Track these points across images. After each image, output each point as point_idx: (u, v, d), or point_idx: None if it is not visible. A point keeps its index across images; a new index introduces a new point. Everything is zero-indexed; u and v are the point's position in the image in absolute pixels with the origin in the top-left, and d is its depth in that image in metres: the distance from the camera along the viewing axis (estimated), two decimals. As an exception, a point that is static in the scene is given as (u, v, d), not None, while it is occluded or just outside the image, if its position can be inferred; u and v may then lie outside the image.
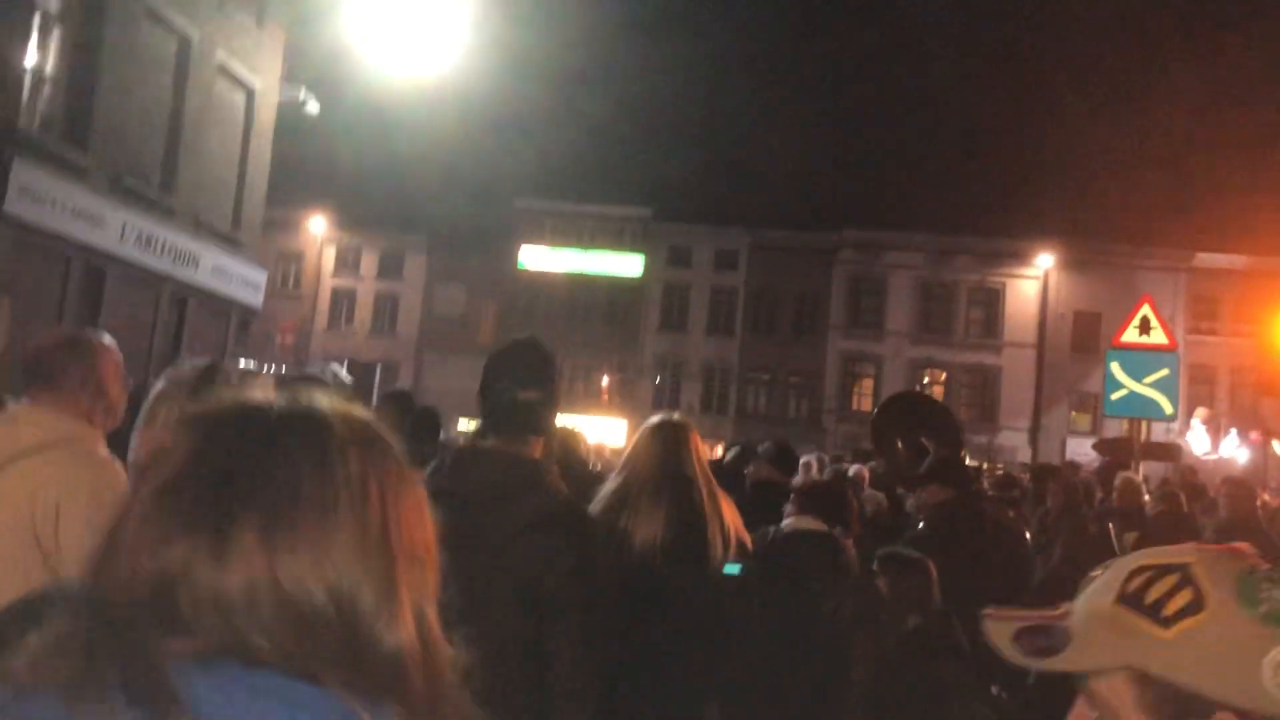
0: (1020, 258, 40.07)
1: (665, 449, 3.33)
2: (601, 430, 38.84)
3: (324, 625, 0.84)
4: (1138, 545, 7.43)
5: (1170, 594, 0.99)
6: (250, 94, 17.73)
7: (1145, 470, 13.18)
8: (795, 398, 42.06)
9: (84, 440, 2.93)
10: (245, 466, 0.87)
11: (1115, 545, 7.60)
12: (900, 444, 7.75)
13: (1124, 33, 71.34)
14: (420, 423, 6.94)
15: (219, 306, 17.21)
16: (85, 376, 3.05)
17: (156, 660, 0.78)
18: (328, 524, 0.86)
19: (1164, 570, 1.03)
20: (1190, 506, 7.98)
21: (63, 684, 0.76)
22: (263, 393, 0.95)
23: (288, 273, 44.90)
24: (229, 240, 17.41)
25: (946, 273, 41.13)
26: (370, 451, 0.93)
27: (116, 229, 14.30)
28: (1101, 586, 1.06)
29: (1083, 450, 37.26)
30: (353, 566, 0.86)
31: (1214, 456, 31.01)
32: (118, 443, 2.94)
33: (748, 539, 3.30)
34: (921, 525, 5.60)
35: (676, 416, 3.53)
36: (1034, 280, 40.41)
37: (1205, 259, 38.91)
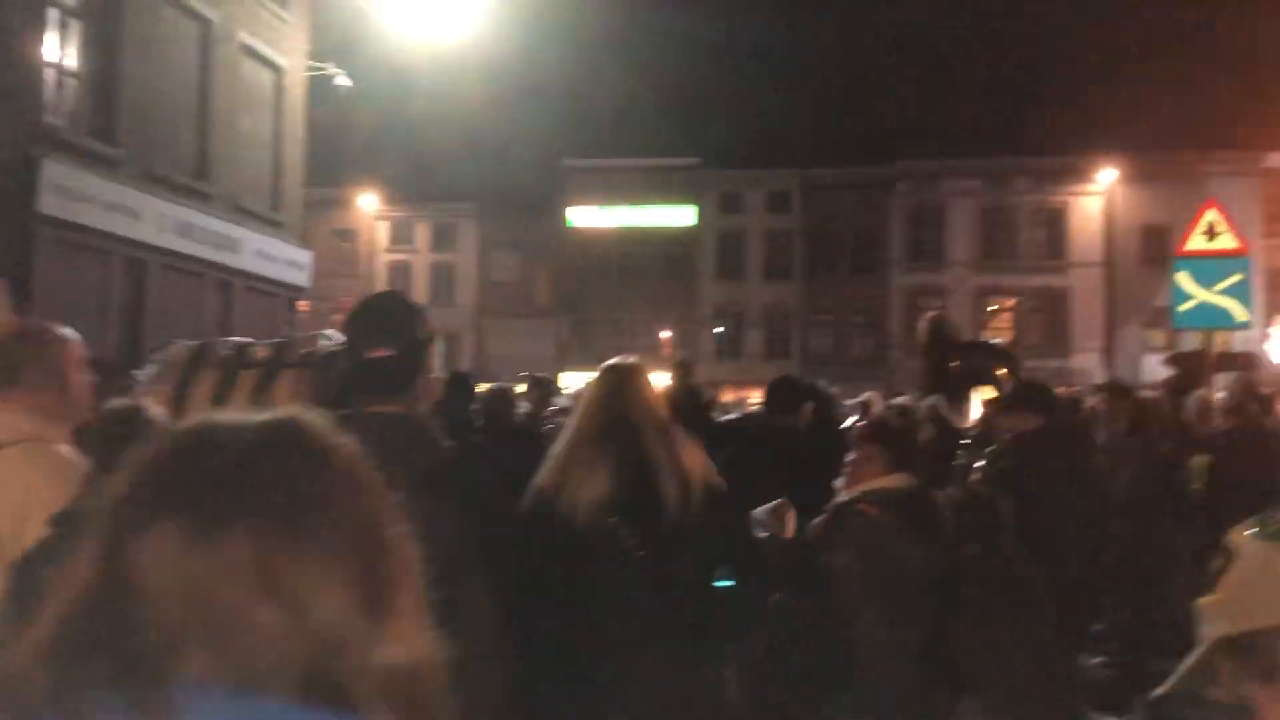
0: (1081, 174, 38.72)
1: (607, 395, 3.06)
2: (665, 385, 38.73)
3: (323, 645, 0.84)
4: (1210, 469, 7.02)
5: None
6: (278, 72, 17.62)
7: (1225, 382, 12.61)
8: (860, 337, 41.40)
9: (47, 439, 2.82)
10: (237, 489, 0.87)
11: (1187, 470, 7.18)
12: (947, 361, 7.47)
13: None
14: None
15: (265, 289, 17.24)
16: (47, 371, 2.93)
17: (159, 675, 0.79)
18: (325, 545, 0.88)
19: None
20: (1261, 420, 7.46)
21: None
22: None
23: (343, 251, 45.24)
24: (270, 222, 17.40)
25: (1006, 196, 39.95)
26: (354, 473, 1.00)
27: (154, 219, 14.32)
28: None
29: (1157, 370, 36.24)
30: (348, 589, 0.87)
31: (1297, 363, 29.83)
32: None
33: (715, 485, 2.98)
34: (1007, 451, 5.31)
35: (627, 359, 3.23)
36: (1097, 196, 39.05)
37: (1278, 159, 37.20)
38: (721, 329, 42.55)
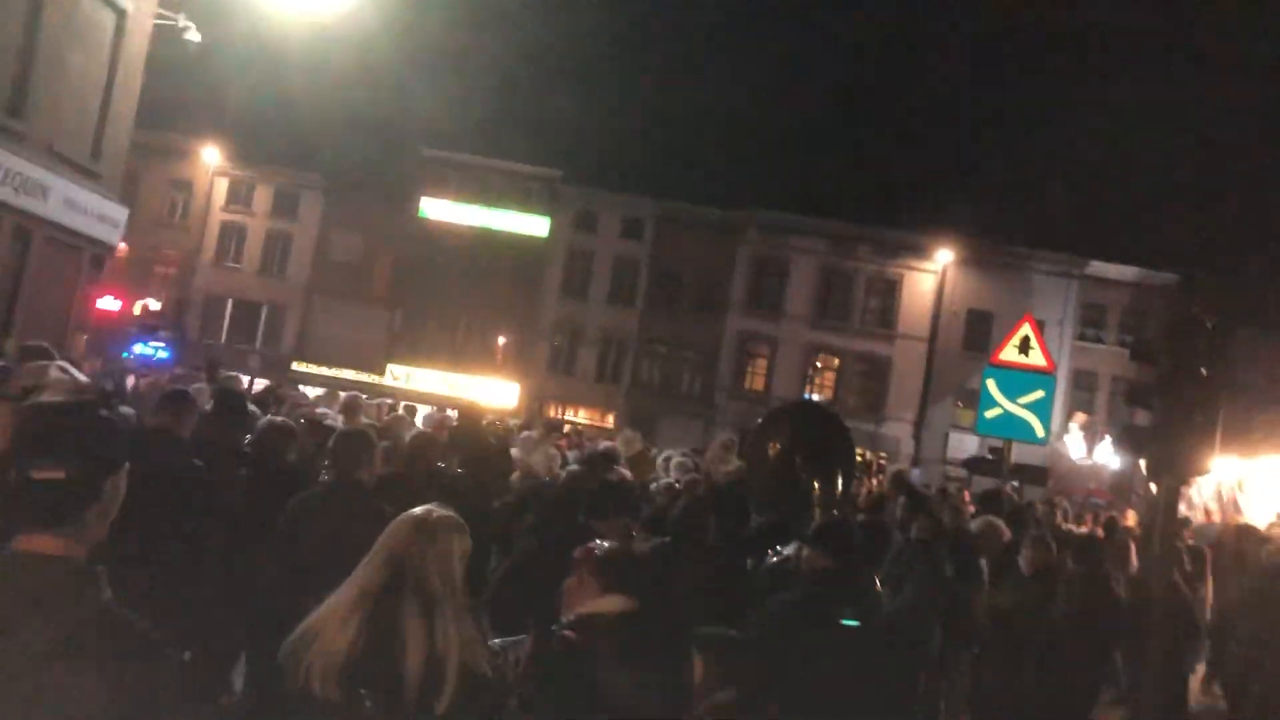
0: (920, 251, 40.38)
1: (398, 550, 2.75)
2: (492, 392, 38.21)
3: None
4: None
5: None
6: (121, 15, 16.43)
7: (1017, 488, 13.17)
8: (690, 372, 41.86)
9: None
10: None
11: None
12: (775, 453, 7.38)
13: (1037, 42, 72.45)
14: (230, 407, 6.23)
15: (69, 242, 15.99)
16: None
17: None
18: None
19: None
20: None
21: None
22: None
23: (176, 203, 42.94)
24: (86, 171, 16.16)
25: (847, 260, 41.25)
26: None
27: (-51, 151, 13.08)
28: None
29: (964, 447, 38.01)
30: None
31: (1088, 462, 31.77)
32: None
33: (479, 671, 2.70)
34: (796, 589, 5.23)
35: (441, 513, 2.89)
36: (931, 274, 40.77)
37: (1098, 267, 39.70)
38: (557, 344, 42.31)
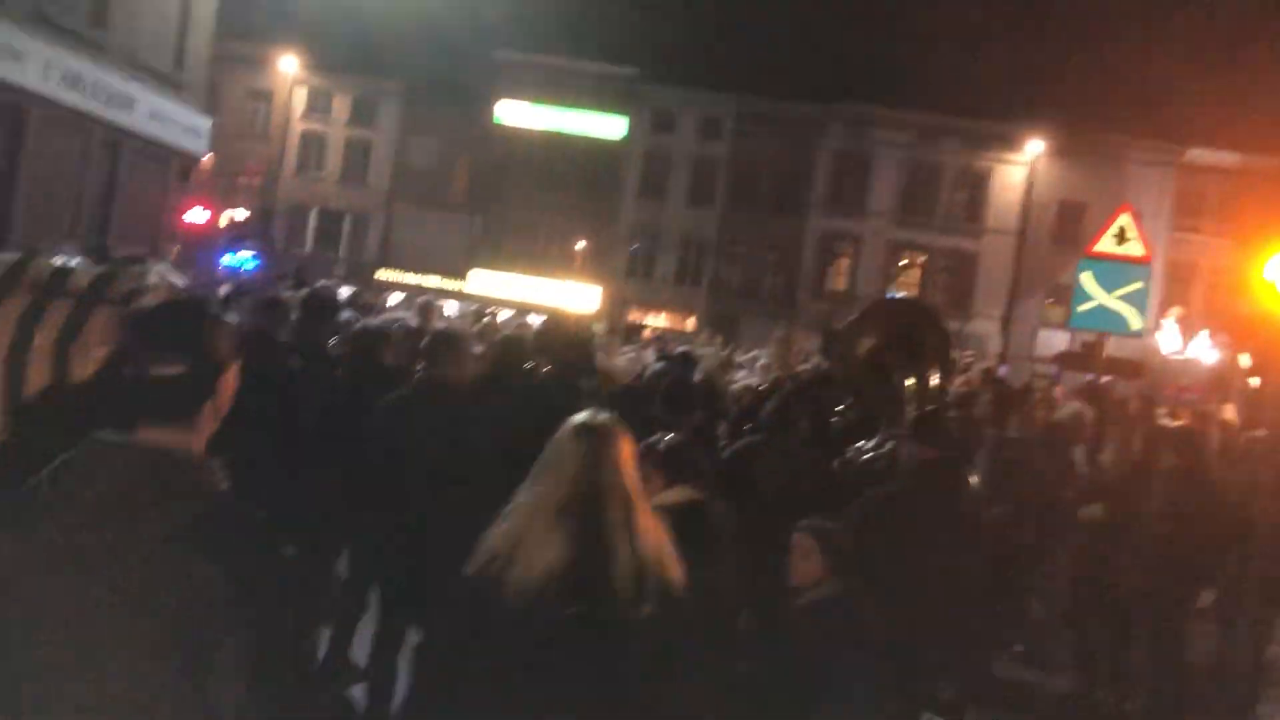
0: (1009, 142, 39.01)
1: (586, 460, 2.72)
2: (573, 297, 38.33)
3: None
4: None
5: None
6: (196, -79, 16.43)
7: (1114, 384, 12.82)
8: (771, 273, 41.45)
9: None
10: None
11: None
12: (867, 348, 7.29)
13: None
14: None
15: (157, 154, 16.25)
16: None
17: None
18: None
19: None
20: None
21: None
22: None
23: (256, 113, 43.31)
24: (169, 81, 16.33)
25: (934, 154, 40.09)
26: None
27: (39, 65, 13.27)
28: None
29: (1053, 344, 37.12)
30: None
31: (1181, 356, 30.85)
32: None
33: (674, 573, 2.70)
34: (897, 480, 5.20)
35: (604, 417, 2.85)
36: (1021, 166, 39.44)
37: (1196, 155, 38.00)
38: (636, 247, 42.14)
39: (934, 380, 6.92)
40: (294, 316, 6.03)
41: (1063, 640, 7.47)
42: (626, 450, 2.79)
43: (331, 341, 6.24)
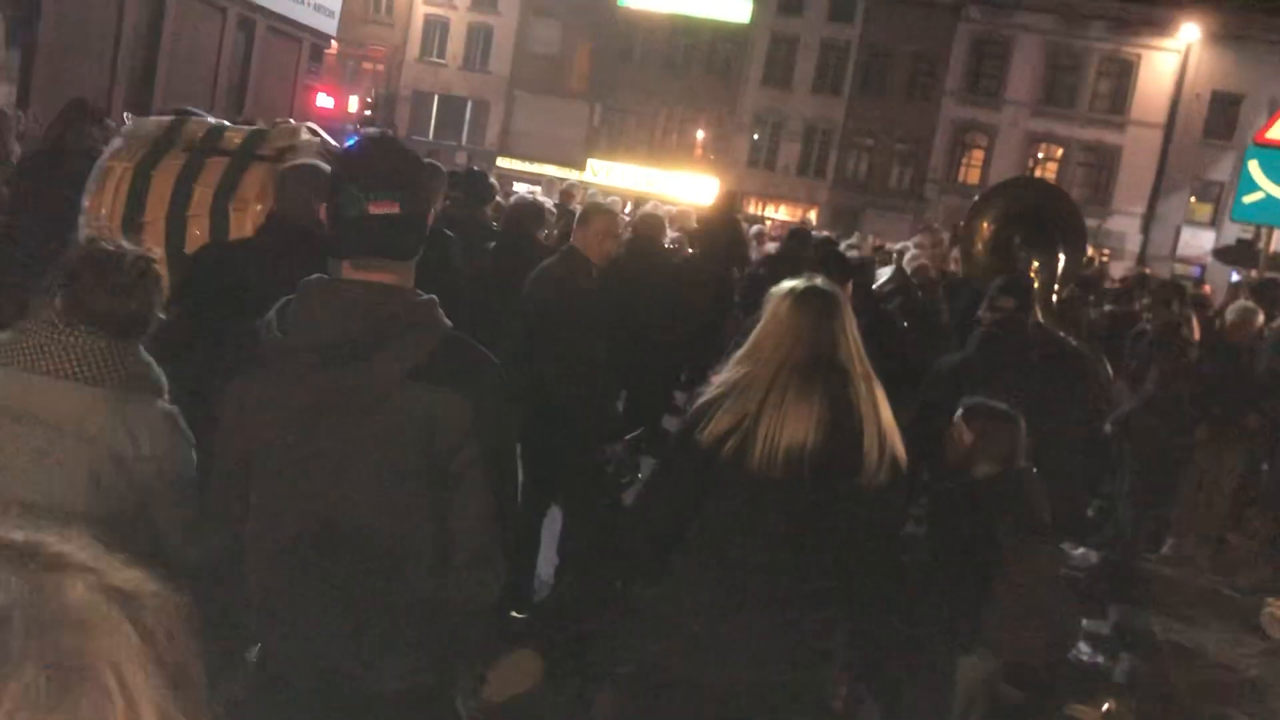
0: (1161, 27, 36.46)
1: (816, 327, 2.60)
2: (691, 187, 37.82)
3: None
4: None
5: None
6: None
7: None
8: (899, 165, 40.12)
9: None
10: None
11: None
12: (989, 231, 6.96)
13: None
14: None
15: (289, 32, 16.36)
16: None
17: None
18: None
19: None
20: None
21: None
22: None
23: (378, -3, 43.32)
24: (301, -39, 16.34)
25: (1078, 39, 37.82)
26: None
27: (177, -57, 13.39)
28: None
29: (1197, 243, 35.32)
30: None
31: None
32: None
33: (901, 451, 2.61)
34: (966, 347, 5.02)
35: (821, 282, 2.73)
36: (1174, 53, 36.93)
37: (1373, 40, 35.02)
38: (758, 137, 41.21)
39: (1063, 260, 6.55)
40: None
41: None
42: (851, 316, 2.67)
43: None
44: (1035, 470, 3.90)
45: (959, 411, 3.88)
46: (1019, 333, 4.86)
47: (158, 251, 2.46)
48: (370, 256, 1.99)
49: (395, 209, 1.97)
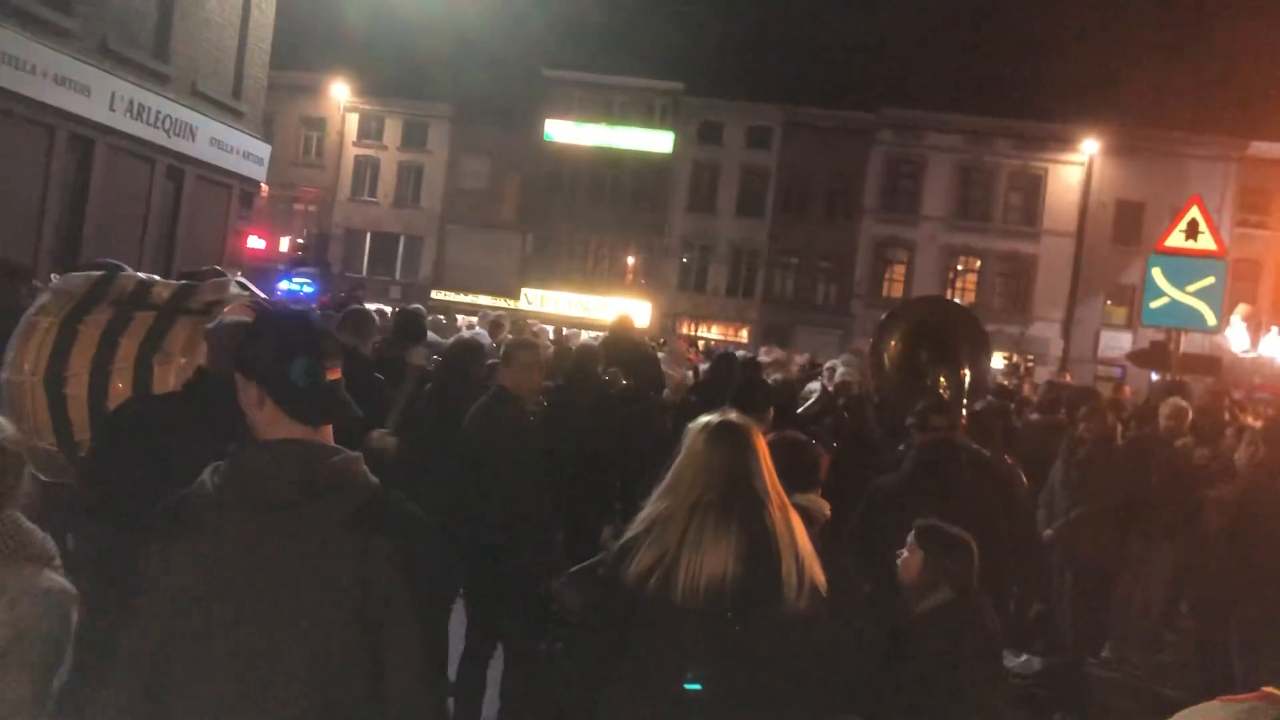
0: (1064, 142, 38.41)
1: (730, 461, 2.69)
2: (625, 312, 38.22)
3: None
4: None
5: None
6: (250, -48, 16.72)
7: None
8: (825, 282, 41.14)
9: None
10: None
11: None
12: (896, 349, 7.12)
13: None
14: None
15: (219, 180, 16.54)
16: None
17: None
18: None
19: None
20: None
21: None
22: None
23: (310, 140, 44.00)
24: (229, 110, 16.62)
25: (986, 156, 39.60)
26: None
27: (105, 97, 13.57)
28: None
29: (1116, 344, 36.44)
30: None
31: (1252, 354, 30.10)
32: None
33: (820, 577, 2.68)
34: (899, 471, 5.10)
35: (733, 416, 2.84)
36: (1077, 166, 38.81)
37: (1259, 148, 37.11)
38: (686, 260, 42.07)
39: (970, 375, 6.68)
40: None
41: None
42: (765, 449, 2.76)
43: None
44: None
45: (910, 535, 3.88)
46: (952, 450, 4.96)
47: (9, 429, 2.48)
48: (322, 418, 2.08)
49: (338, 375, 2.11)
